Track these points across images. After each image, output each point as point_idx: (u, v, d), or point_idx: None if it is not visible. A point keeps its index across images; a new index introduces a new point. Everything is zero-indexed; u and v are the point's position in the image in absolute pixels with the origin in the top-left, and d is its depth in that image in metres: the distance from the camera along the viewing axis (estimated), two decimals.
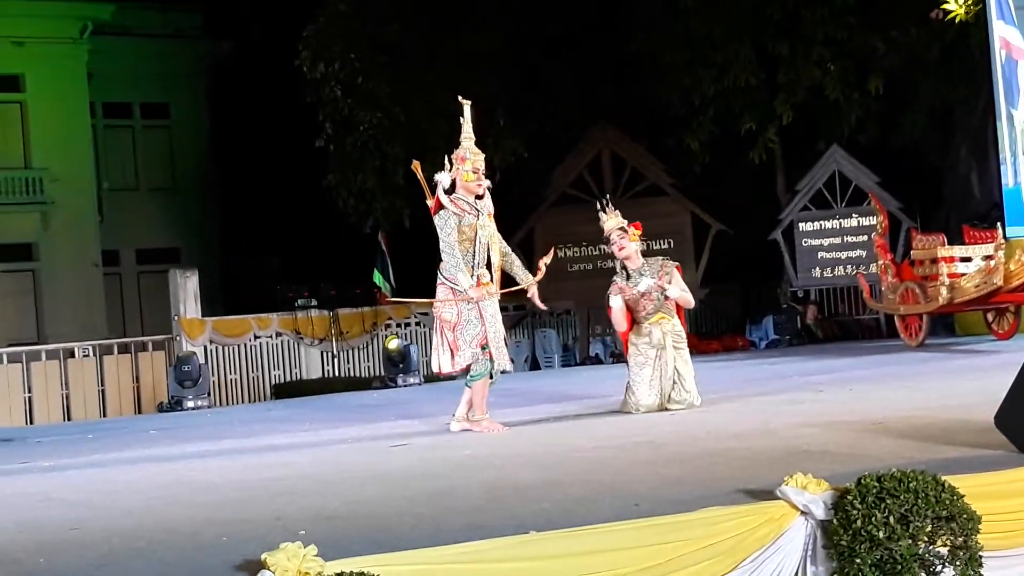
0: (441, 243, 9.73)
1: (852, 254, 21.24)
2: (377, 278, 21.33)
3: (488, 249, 9.82)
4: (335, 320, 21.66)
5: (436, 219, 9.76)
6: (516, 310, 23.05)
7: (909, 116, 21.69)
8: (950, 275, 15.45)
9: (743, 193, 23.10)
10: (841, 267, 21.44)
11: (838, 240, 21.48)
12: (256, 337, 21.22)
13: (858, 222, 21.09)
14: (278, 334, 21.43)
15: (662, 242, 21.50)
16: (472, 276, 9.66)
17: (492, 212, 9.88)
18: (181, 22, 33.44)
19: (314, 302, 21.82)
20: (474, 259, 9.73)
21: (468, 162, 9.77)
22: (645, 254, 10.72)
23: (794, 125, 21.97)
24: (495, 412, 10.55)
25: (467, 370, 9.78)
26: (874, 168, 21.17)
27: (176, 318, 20.37)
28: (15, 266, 30.98)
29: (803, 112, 21.82)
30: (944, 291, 15.33)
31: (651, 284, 10.33)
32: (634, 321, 10.45)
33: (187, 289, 20.47)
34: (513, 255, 10.16)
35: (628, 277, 10.43)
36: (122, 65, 32.20)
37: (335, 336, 21.66)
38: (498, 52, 22.73)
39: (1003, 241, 14.98)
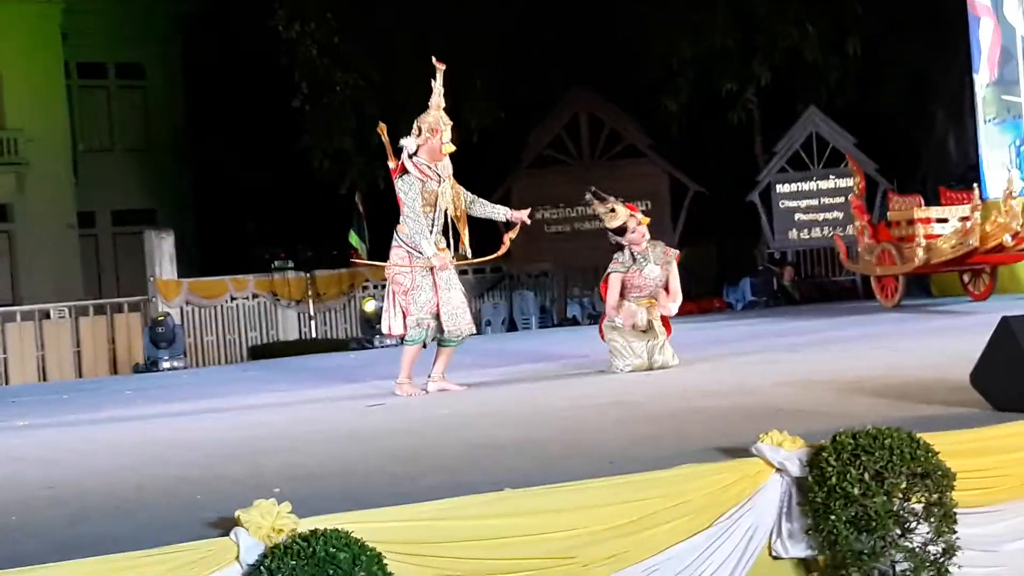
0: (404, 208, 9.65)
1: (829, 216, 21.27)
2: (353, 239, 21.25)
3: (447, 215, 9.77)
4: (312, 282, 21.61)
5: (399, 183, 9.69)
6: (494, 272, 23.05)
7: (887, 78, 21.69)
8: (926, 236, 15.48)
9: (721, 155, 23.10)
10: (818, 228, 21.47)
11: (815, 202, 21.51)
12: (232, 299, 21.18)
13: (835, 184, 21.11)
14: (254, 295, 21.39)
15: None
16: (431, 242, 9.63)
17: (451, 173, 9.82)
18: None
19: (290, 263, 21.77)
20: (433, 225, 9.69)
21: (443, 133, 9.70)
22: None
23: (772, 87, 21.96)
24: (471, 372, 10.60)
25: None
26: (851, 130, 21.17)
27: (152, 279, 20.30)
28: None
29: (781, 74, 21.79)
30: (920, 252, 15.35)
31: (659, 274, 10.24)
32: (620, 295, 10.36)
33: (163, 250, 20.42)
34: (479, 199, 10.07)
35: (634, 260, 10.29)
36: (96, 25, 31.93)
37: (312, 297, 21.61)
38: (475, 13, 22.61)
39: (979, 202, 15.01)
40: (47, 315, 20.30)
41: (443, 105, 9.79)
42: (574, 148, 22.74)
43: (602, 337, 10.37)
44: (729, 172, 22.67)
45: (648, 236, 10.33)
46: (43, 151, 30.54)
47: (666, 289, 10.35)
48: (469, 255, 10.01)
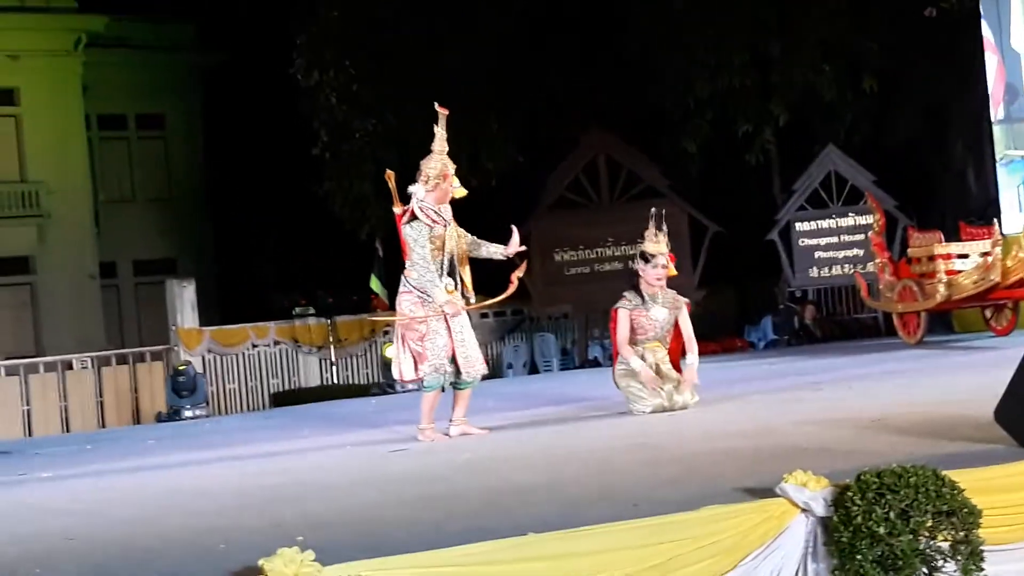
0: (413, 254, 9.67)
1: (849, 253, 21.21)
2: (375, 284, 21.31)
3: (454, 258, 9.79)
4: (333, 328, 21.63)
5: (408, 229, 9.71)
6: (514, 314, 23.04)
7: (904, 112, 21.68)
8: (948, 272, 15.42)
9: (739, 194, 23.08)
10: (838, 266, 21.41)
11: (835, 239, 21.46)
12: (254, 346, 21.20)
13: (855, 221, 21.06)
14: (276, 342, 21.41)
15: None
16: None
17: (452, 216, 9.85)
18: (175, 33, 33.44)
19: (311, 310, 21.80)
20: (442, 269, 9.72)
21: (452, 177, 9.76)
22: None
23: (790, 126, 21.97)
24: (492, 415, 10.58)
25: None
26: (870, 167, 21.15)
27: (174, 328, 20.35)
28: (12, 279, 30.97)
29: (798, 113, 21.81)
30: (942, 288, 15.29)
31: (665, 318, 10.26)
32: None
33: (184, 299, 20.47)
34: (478, 240, 10.07)
35: (642, 300, 10.31)
36: (117, 77, 32.21)
37: (333, 344, 21.62)
38: (492, 57, 22.71)
39: (1000, 237, 14.96)
40: (70, 366, 20.35)
41: (447, 150, 9.85)
42: (592, 190, 22.76)
43: (616, 384, 10.36)
44: (748, 211, 22.65)
45: (665, 284, 10.36)
46: (64, 203, 30.75)
47: (680, 341, 10.34)
48: (472, 299, 10.02)
